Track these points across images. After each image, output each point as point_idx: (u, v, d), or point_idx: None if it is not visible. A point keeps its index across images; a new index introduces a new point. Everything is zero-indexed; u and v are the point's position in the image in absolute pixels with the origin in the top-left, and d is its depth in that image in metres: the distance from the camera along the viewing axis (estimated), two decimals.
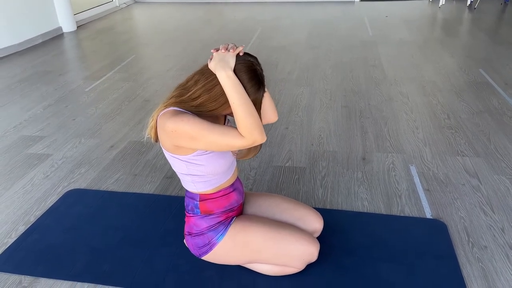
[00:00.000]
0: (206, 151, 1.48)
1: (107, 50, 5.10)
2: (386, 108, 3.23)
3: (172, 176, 2.47)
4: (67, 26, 5.96)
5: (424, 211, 2.09)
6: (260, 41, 5.20)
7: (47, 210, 2.20)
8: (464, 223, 1.99)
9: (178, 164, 1.54)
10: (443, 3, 6.63)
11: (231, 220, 1.68)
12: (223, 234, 1.65)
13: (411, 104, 3.29)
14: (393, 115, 3.11)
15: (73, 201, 2.28)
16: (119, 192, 2.35)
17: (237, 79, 1.37)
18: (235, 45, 1.44)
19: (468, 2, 6.55)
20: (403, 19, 6.08)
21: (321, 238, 1.83)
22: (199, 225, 1.66)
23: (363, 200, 2.19)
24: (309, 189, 2.30)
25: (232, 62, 1.38)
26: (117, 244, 1.95)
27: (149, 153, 2.74)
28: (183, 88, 1.47)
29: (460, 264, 1.76)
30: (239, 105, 1.35)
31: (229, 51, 1.41)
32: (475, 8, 6.44)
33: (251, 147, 1.54)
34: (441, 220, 2.03)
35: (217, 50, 1.44)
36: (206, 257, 1.70)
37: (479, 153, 2.57)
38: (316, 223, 1.79)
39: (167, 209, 2.18)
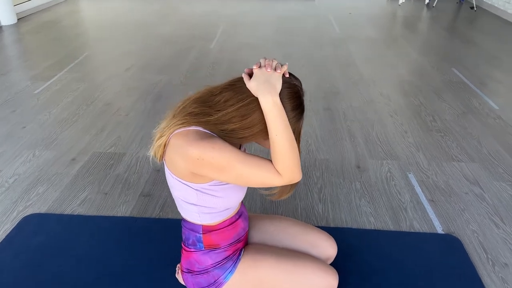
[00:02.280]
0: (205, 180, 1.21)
1: (55, 46, 4.59)
2: (369, 110, 3.08)
3: (149, 194, 2.16)
4: (6, 18, 5.34)
5: (433, 225, 1.94)
6: (225, 37, 4.92)
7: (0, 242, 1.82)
8: (478, 238, 1.87)
9: (186, 192, 1.25)
10: (403, 1, 6.67)
11: (239, 254, 1.42)
12: (231, 272, 1.39)
13: (393, 105, 3.17)
14: (378, 118, 2.97)
15: (32, 229, 1.91)
16: (88, 215, 2.00)
17: (282, 107, 1.13)
18: (280, 63, 1.18)
19: (427, 1, 6.63)
20: (366, 16, 6.03)
21: (332, 263, 1.62)
22: (203, 261, 1.38)
23: (368, 215, 2.01)
24: (307, 205, 2.08)
25: (279, 85, 1.13)
26: (93, 281, 1.63)
27: (119, 166, 2.40)
28: (207, 105, 1.18)
29: (486, 285, 1.62)
30: (282, 138, 1.12)
31: (275, 70, 1.15)
32: (433, 6, 6.54)
33: (285, 186, 1.28)
34: (454, 234, 1.89)
35: (259, 66, 1.17)
36: None
37: (474, 158, 2.48)
38: (330, 250, 1.57)
39: (149, 234, 1.87)
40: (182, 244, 1.44)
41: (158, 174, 2.33)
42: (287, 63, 1.20)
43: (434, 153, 2.53)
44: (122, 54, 4.33)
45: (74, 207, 2.06)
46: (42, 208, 2.05)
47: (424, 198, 2.12)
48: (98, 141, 2.66)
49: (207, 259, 1.38)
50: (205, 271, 1.38)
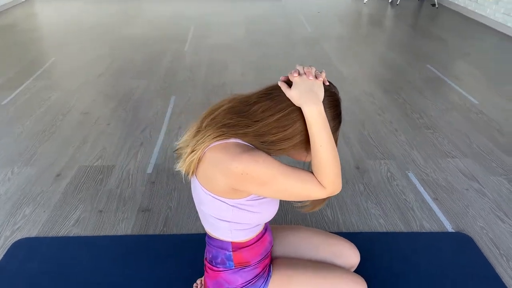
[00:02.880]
0: (262, 196, 1.14)
1: (16, 52, 4.29)
2: (357, 109, 3.08)
3: (149, 209, 2.04)
4: None
5: (443, 224, 1.95)
6: (197, 39, 4.79)
7: None
8: (487, 234, 1.89)
9: (220, 209, 1.16)
10: None
11: (269, 271, 1.35)
12: None
13: (378, 103, 3.19)
14: (367, 117, 2.97)
15: (25, 255, 1.74)
16: (86, 236, 1.86)
17: (326, 116, 1.07)
18: (318, 71, 1.12)
19: None
20: (334, 15, 6.08)
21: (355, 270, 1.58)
22: (233, 281, 1.30)
23: (377, 218, 1.99)
24: (316, 211, 2.03)
25: (321, 94, 1.07)
26: None
27: (109, 181, 2.25)
28: (243, 115, 1.09)
29: (505, 283, 1.64)
30: (327, 150, 1.06)
31: (316, 78, 1.09)
32: (397, 4, 6.70)
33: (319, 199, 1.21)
34: (464, 232, 1.90)
35: (298, 73, 1.10)
36: None
37: (466, 153, 2.53)
38: (354, 258, 1.53)
39: (154, 253, 1.76)
40: (207, 263, 1.35)
41: (154, 187, 2.21)
42: (324, 70, 1.14)
43: (427, 151, 2.55)
44: (91, 59, 4.11)
45: (68, 228, 1.91)
46: (32, 232, 1.89)
47: (428, 197, 2.13)
48: (82, 154, 2.49)
49: (237, 279, 1.30)
50: None
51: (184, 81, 3.58)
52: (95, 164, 2.40)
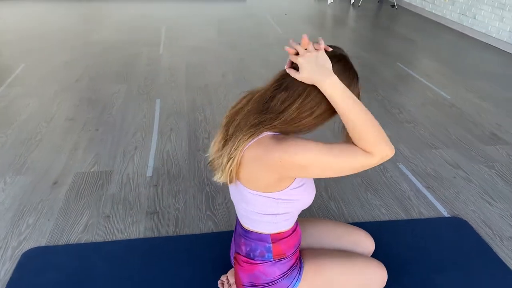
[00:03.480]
0: (301, 182, 1.19)
1: None
2: None
3: (156, 211, 2.04)
4: None
5: (439, 210, 2.09)
6: (171, 41, 4.77)
7: (5, 286, 1.60)
8: (479, 217, 2.05)
9: (265, 205, 1.21)
10: (332, 1, 7.01)
11: (300, 262, 1.41)
12: (298, 280, 1.37)
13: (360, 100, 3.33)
14: None
15: (39, 265, 1.70)
16: (99, 242, 1.84)
17: (342, 84, 1.08)
18: (314, 41, 1.13)
19: (352, 0, 7.04)
20: (301, 16, 6.23)
21: None
22: (271, 273, 1.35)
23: (379, 208, 2.10)
24: (320, 205, 2.12)
25: (328, 63, 1.08)
26: None
27: (111, 186, 2.23)
28: (266, 112, 1.14)
29: (502, 259, 1.79)
30: (357, 115, 1.06)
31: (316, 50, 1.10)
32: (359, 5, 6.95)
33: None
34: (459, 216, 2.05)
35: (296, 53, 1.12)
36: None
37: (448, 144, 2.71)
38: (371, 245, 1.62)
39: (172, 254, 1.77)
40: (241, 257, 1.38)
41: (157, 190, 2.21)
42: (321, 38, 1.15)
43: (412, 143, 2.71)
44: (63, 64, 4.00)
45: (78, 235, 1.88)
46: (40, 241, 1.84)
47: (421, 186, 2.27)
48: (76, 161, 2.44)
49: (275, 270, 1.35)
50: (272, 282, 1.35)
51: (165, 84, 3.57)
52: (92, 170, 2.36)
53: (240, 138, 1.13)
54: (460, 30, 5.47)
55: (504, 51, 4.70)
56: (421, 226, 1.97)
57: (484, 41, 5.03)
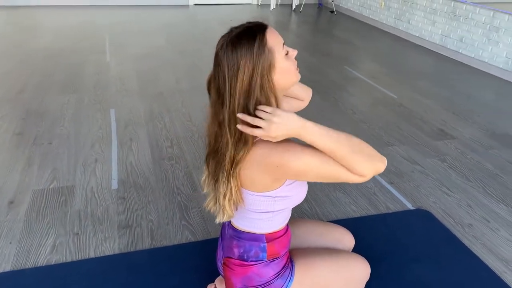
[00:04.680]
0: (282, 182, 1.22)
1: None
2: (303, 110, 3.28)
3: (129, 225, 1.96)
4: None
5: (404, 203, 2.21)
6: (117, 48, 4.60)
7: None
8: (440, 207, 2.19)
9: (263, 204, 1.23)
10: (274, 7, 7.15)
11: (291, 261, 1.43)
12: (291, 280, 1.39)
13: (315, 103, 3.44)
14: (310, 117, 3.18)
15: None
16: (71, 262, 1.73)
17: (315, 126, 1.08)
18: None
19: (293, 6, 7.23)
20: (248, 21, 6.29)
21: None
22: (264, 274, 1.36)
23: (349, 205, 2.18)
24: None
25: (284, 116, 1.06)
26: None
27: (74, 201, 2.11)
28: (224, 127, 1.13)
29: (467, 245, 1.93)
30: (334, 148, 1.07)
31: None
32: (300, 11, 7.16)
33: None
34: (422, 208, 2.18)
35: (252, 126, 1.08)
36: None
37: (402, 141, 2.87)
38: (351, 241, 1.69)
39: (153, 267, 1.72)
40: (234, 260, 1.37)
41: (126, 202, 2.12)
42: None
43: (370, 142, 2.81)
44: (3, 74, 3.72)
45: (47, 256, 1.76)
46: (5, 266, 1.70)
47: (384, 182, 2.39)
48: (32, 178, 2.29)
49: (269, 271, 1.36)
50: (267, 283, 1.36)
51: (118, 93, 3.45)
52: (51, 187, 2.22)
53: (226, 171, 1.15)
54: (396, 34, 5.82)
55: (437, 52, 5.07)
56: (391, 220, 2.07)
57: (419, 43, 5.39)
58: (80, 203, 2.10)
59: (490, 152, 2.77)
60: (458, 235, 1.99)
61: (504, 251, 1.91)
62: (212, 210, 1.28)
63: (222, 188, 1.19)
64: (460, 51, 4.77)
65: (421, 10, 5.31)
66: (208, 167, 1.27)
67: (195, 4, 7.27)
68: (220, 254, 1.51)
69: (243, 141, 1.12)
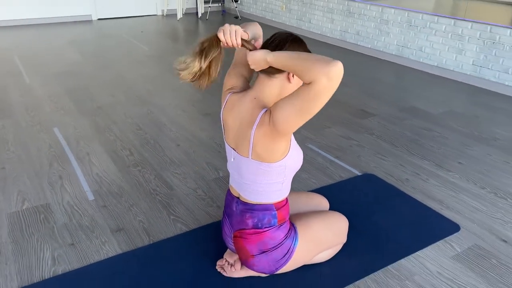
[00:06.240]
0: (292, 143, 1.52)
1: None
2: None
3: (121, 228, 2.06)
4: None
5: (352, 171, 2.60)
6: (33, 69, 4.42)
7: None
8: (381, 170, 2.63)
9: (277, 173, 1.52)
10: (181, 16, 7.31)
11: (293, 225, 1.70)
12: (297, 238, 1.66)
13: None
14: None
15: None
16: (80, 268, 1.80)
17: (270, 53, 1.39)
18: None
19: (199, 15, 7.47)
20: (157, 32, 6.38)
21: None
22: (276, 236, 1.61)
23: (310, 179, 2.51)
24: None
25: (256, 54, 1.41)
26: None
27: (56, 217, 2.13)
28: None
29: (409, 194, 2.37)
30: (291, 66, 1.33)
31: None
32: (206, 19, 7.42)
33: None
34: (368, 172, 2.60)
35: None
36: (282, 269, 1.66)
37: (336, 123, 3.30)
38: (327, 205, 2.02)
39: (161, 259, 1.86)
40: (247, 231, 1.61)
41: (108, 210, 2.20)
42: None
43: (311, 127, 3.22)
44: None
45: (51, 268, 1.80)
46: (11, 285, 1.71)
47: (331, 157, 2.77)
48: (4, 201, 2.23)
49: (279, 233, 1.62)
50: (279, 244, 1.62)
51: (54, 112, 3.39)
52: (24, 208, 2.20)
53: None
54: (300, 33, 6.38)
55: (338, 46, 5.71)
56: (346, 185, 2.45)
57: (322, 40, 6.00)
58: (63, 218, 2.13)
59: (405, 122, 3.32)
60: (400, 188, 2.44)
61: (437, 194, 2.39)
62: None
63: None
64: (358, 43, 5.45)
65: (320, 10, 5.93)
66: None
67: (99, 19, 7.14)
68: (227, 231, 1.72)
69: None
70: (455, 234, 2.06)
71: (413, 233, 2.05)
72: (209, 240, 1.96)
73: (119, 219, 2.13)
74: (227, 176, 2.52)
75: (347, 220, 1.87)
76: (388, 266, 1.84)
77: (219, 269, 1.79)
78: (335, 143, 2.97)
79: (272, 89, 1.49)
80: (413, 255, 1.91)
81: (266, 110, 1.44)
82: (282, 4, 6.61)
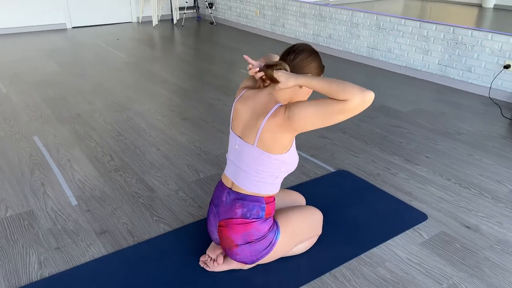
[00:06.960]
0: (293, 145, 1.67)
1: None
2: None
3: (105, 230, 2.13)
4: None
5: (327, 168, 2.73)
6: (9, 79, 4.41)
7: None
8: (354, 166, 2.77)
9: (274, 165, 1.66)
10: (157, 23, 7.35)
11: (275, 220, 1.80)
12: (278, 232, 1.77)
13: (230, 104, 3.83)
14: (220, 114, 3.58)
15: None
16: (74, 267, 1.85)
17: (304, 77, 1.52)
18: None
19: (175, 21, 7.53)
20: (133, 40, 6.42)
21: None
22: (262, 229, 1.72)
23: (288, 177, 2.62)
24: None
25: (285, 76, 1.52)
26: None
27: (40, 223, 2.18)
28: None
29: (380, 188, 2.51)
30: (326, 88, 1.45)
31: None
32: (182, 25, 7.49)
33: None
34: (342, 169, 2.73)
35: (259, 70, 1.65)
36: (262, 260, 1.77)
37: None
38: (303, 201, 2.14)
39: (149, 258, 1.94)
40: (235, 220, 1.71)
41: (92, 214, 2.26)
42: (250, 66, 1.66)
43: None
44: None
45: (38, 271, 1.85)
46: None
47: (307, 155, 2.89)
48: None
49: (265, 226, 1.72)
50: (263, 237, 1.72)
51: (33, 121, 3.41)
52: (7, 215, 2.24)
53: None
54: (274, 38, 6.53)
55: None
56: (322, 182, 2.57)
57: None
58: (47, 223, 2.18)
59: (375, 120, 3.48)
60: (372, 182, 2.58)
61: (406, 187, 2.54)
62: None
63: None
64: (330, 46, 5.63)
65: (293, 15, 6.09)
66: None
67: (73, 27, 7.12)
68: (213, 221, 1.81)
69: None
70: (423, 222, 2.20)
71: (384, 223, 2.19)
72: (192, 239, 2.04)
73: (103, 222, 2.19)
74: (207, 177, 2.61)
75: (321, 214, 1.99)
76: (361, 255, 1.97)
77: (202, 265, 1.88)
78: (311, 142, 3.10)
79: (286, 92, 1.63)
80: (384, 243, 2.04)
81: (281, 105, 1.58)
82: (256, 9, 6.75)
